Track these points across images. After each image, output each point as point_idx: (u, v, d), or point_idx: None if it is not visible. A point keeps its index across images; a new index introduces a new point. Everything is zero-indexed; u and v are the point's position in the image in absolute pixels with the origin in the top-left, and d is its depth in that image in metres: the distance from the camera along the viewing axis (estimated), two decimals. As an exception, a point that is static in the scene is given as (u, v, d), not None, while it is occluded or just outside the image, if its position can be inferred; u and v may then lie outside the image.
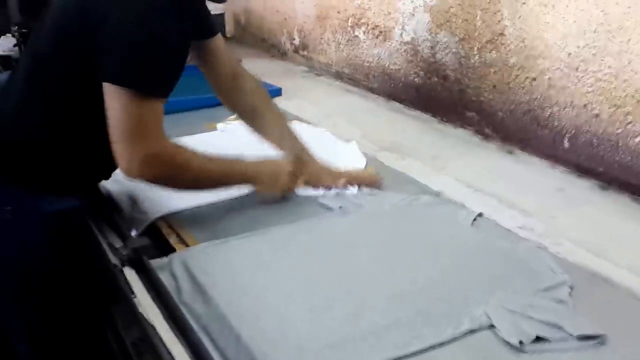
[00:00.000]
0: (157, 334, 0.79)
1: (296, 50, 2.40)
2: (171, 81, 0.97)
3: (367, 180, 1.19)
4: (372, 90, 1.94)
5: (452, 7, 1.54)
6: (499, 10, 1.41)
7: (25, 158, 1.03)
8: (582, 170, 1.29)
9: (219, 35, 1.21)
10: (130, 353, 1.61)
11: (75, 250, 1.10)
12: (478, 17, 1.47)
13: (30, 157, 1.03)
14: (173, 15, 0.94)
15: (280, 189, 1.10)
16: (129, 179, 0.96)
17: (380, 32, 1.85)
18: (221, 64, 1.21)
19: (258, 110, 1.23)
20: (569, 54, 1.26)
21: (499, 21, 1.41)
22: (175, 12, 0.94)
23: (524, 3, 1.34)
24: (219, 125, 1.51)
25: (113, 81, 0.90)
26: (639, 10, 1.11)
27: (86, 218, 1.09)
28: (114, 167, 1.17)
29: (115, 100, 0.90)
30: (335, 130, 1.51)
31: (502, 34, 1.42)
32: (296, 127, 1.52)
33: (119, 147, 0.92)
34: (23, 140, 1.02)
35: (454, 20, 1.55)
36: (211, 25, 1.19)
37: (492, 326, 0.78)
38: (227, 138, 1.45)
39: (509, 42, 1.40)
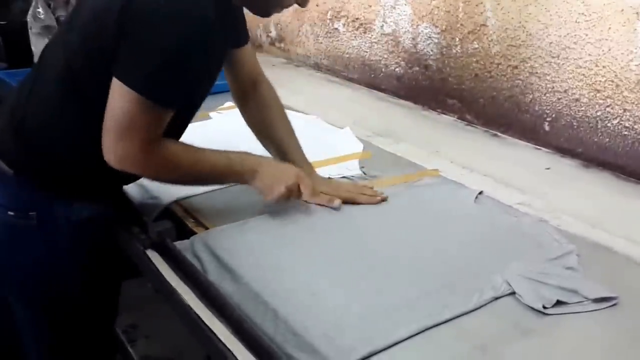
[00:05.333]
0: (195, 313, 0.80)
1: (272, 43, 2.40)
2: (185, 94, 0.91)
3: (368, 201, 1.09)
4: (351, 80, 1.98)
5: (434, 0, 1.60)
6: (482, 2, 1.47)
7: (54, 163, 0.97)
8: (563, 151, 1.37)
9: (249, 42, 1.16)
10: (123, 341, 1.60)
11: (102, 260, 1.05)
12: (460, 9, 1.53)
13: (59, 162, 0.97)
14: (209, 21, 0.86)
15: (281, 192, 0.99)
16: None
17: (361, 24, 1.89)
18: (244, 71, 1.16)
19: (271, 122, 1.16)
20: (551, 42, 1.34)
21: (482, 13, 1.48)
22: (214, 18, 0.86)
23: (507, -5, 1.41)
24: (212, 114, 1.51)
25: (122, 79, 0.85)
26: (618, 1, 1.19)
27: (113, 226, 1.03)
28: None
29: (118, 96, 0.86)
30: (325, 117, 1.53)
31: (484, 25, 1.48)
32: (289, 114, 1.54)
33: (106, 138, 0.88)
34: (53, 144, 0.97)
35: (435, 12, 1.61)
36: (246, 34, 1.14)
37: (513, 293, 0.82)
38: (219, 126, 1.45)
39: (491, 32, 1.47)
